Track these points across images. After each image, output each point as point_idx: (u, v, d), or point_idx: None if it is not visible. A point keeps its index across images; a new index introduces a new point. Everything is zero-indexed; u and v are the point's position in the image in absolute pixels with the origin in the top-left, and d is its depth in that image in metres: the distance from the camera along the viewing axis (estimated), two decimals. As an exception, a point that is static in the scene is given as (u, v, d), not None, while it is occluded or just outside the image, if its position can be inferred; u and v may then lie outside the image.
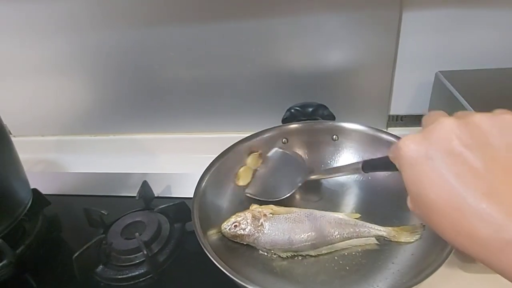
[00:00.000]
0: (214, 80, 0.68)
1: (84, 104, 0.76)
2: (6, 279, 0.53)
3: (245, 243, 0.46)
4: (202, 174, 0.49)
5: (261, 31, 0.61)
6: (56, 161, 0.80)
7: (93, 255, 0.51)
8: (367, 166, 0.39)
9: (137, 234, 0.51)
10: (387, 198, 0.48)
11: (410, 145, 0.25)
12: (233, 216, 0.46)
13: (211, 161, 0.51)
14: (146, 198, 0.60)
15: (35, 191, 0.61)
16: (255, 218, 0.45)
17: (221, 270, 0.37)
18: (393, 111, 0.67)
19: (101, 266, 0.51)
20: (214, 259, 0.37)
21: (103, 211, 0.56)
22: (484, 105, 0.47)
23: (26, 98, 0.77)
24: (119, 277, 0.50)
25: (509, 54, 0.57)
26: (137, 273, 0.50)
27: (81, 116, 0.77)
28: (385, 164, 0.31)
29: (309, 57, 0.63)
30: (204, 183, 0.47)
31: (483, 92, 0.51)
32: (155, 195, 0.63)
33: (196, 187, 0.47)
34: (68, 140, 0.81)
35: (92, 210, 0.56)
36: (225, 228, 0.46)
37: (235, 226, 0.45)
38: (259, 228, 0.45)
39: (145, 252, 0.48)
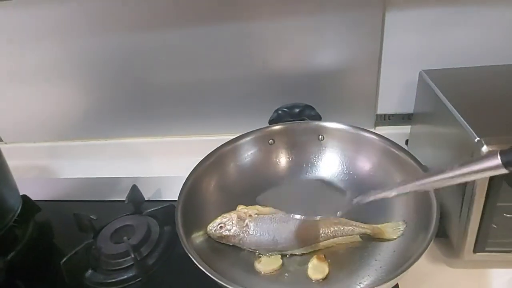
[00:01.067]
0: (202, 83, 0.68)
1: (75, 109, 0.76)
2: (-3, 285, 0.53)
3: (231, 244, 0.46)
4: (187, 177, 0.49)
5: (248, 33, 0.62)
6: (47, 167, 0.80)
7: (82, 260, 0.51)
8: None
9: (125, 238, 0.52)
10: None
11: None
12: (219, 218, 0.47)
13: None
14: (135, 202, 0.60)
15: (25, 197, 0.61)
16: (240, 219, 0.46)
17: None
18: (380, 111, 0.68)
19: (90, 271, 0.51)
20: (196, 261, 0.37)
21: (92, 216, 0.56)
22: (466, 103, 0.47)
23: (17, 104, 0.77)
24: (108, 281, 0.50)
25: (490, 52, 0.58)
26: (125, 276, 0.50)
27: (72, 122, 0.78)
28: None
29: (296, 59, 0.64)
30: (188, 186, 0.48)
31: (466, 90, 0.52)
32: (146, 199, 0.63)
33: (180, 190, 0.47)
34: (59, 146, 0.81)
35: (82, 215, 0.56)
36: (211, 230, 0.46)
37: (221, 227, 0.45)
38: (244, 229, 0.45)
39: (133, 256, 0.49)
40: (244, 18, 0.61)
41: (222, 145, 0.53)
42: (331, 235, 0.44)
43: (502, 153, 0.26)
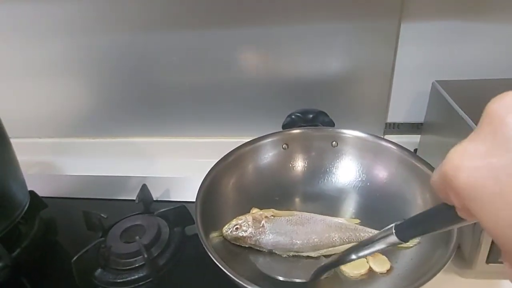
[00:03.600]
0: (215, 86, 0.69)
1: (84, 107, 0.76)
2: (2, 282, 0.52)
3: (246, 246, 0.46)
4: (206, 174, 0.49)
5: (263, 38, 0.62)
6: (52, 164, 0.80)
7: (92, 259, 0.51)
8: (403, 231, 0.28)
9: (137, 237, 0.51)
10: (386, 204, 0.50)
11: (476, 161, 0.16)
12: (234, 219, 0.47)
13: (210, 165, 0.51)
14: (145, 201, 0.60)
15: (32, 193, 0.61)
16: (256, 220, 0.46)
17: (222, 274, 0.37)
18: (390, 119, 0.68)
19: (99, 270, 0.51)
20: (217, 261, 0.37)
21: (102, 214, 0.55)
22: (479, 113, 0.48)
23: (24, 100, 0.76)
24: (118, 281, 0.49)
25: (502, 65, 0.59)
26: (136, 276, 0.49)
27: (80, 119, 0.77)
28: (435, 216, 0.23)
29: (310, 65, 0.64)
30: (207, 183, 0.48)
31: (479, 101, 0.52)
32: (154, 199, 0.63)
33: (199, 187, 0.47)
34: (65, 143, 0.80)
35: (92, 213, 0.56)
36: (227, 231, 0.46)
37: (237, 228, 0.46)
38: (260, 230, 0.45)
39: (145, 256, 0.48)
40: (260, 23, 0.61)
41: (241, 145, 0.53)
42: (347, 240, 0.45)
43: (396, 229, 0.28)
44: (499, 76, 0.58)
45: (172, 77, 0.69)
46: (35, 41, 0.68)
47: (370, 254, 0.33)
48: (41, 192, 0.62)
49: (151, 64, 0.68)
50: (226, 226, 0.47)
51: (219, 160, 0.51)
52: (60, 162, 0.80)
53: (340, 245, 0.45)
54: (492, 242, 0.43)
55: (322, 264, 0.40)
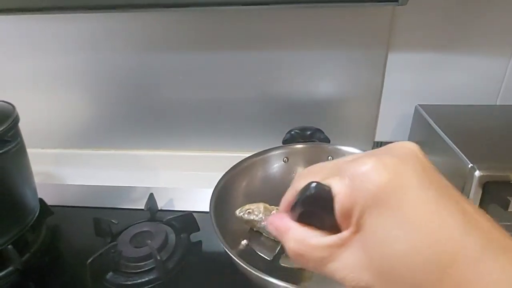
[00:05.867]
0: (219, 104, 0.74)
1: (89, 120, 0.79)
2: (11, 286, 0.54)
3: (255, 229, 0.51)
4: (221, 177, 0.54)
5: (265, 62, 0.69)
6: (55, 174, 0.82)
7: (103, 263, 0.53)
8: None
9: (149, 241, 0.54)
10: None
11: (382, 172, 0.19)
12: (247, 205, 0.52)
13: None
14: (152, 210, 0.63)
15: (41, 201, 0.63)
16: (267, 209, 0.51)
17: (232, 272, 0.40)
18: (378, 138, 0.75)
19: (110, 273, 0.53)
20: (233, 255, 0.41)
21: (113, 220, 0.58)
22: (457, 134, 0.55)
23: (29, 110, 0.78)
24: (129, 283, 0.52)
25: (477, 92, 0.67)
26: (146, 279, 0.52)
27: (84, 131, 0.80)
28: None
29: (305, 87, 0.71)
30: (221, 185, 0.53)
31: (457, 123, 0.60)
32: (158, 208, 0.66)
33: (214, 188, 0.52)
34: (67, 154, 0.82)
35: (102, 219, 0.59)
36: (240, 213, 0.51)
37: (249, 212, 0.50)
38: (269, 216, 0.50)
39: (158, 258, 0.51)
40: (263, 48, 0.68)
41: (252, 155, 0.58)
42: None
43: None
44: (474, 102, 0.67)
45: (176, 94, 0.74)
46: (43, 55, 0.72)
47: None
48: (47, 201, 0.64)
49: (157, 81, 0.73)
50: (239, 209, 0.51)
51: (233, 166, 0.56)
52: (60, 173, 0.81)
53: None
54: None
55: None
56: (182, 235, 0.60)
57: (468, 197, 0.47)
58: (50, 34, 0.70)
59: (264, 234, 0.52)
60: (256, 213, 0.50)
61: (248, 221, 0.51)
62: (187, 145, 0.79)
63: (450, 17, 0.62)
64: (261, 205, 0.51)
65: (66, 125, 0.80)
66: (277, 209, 0.51)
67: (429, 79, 0.68)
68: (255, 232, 0.53)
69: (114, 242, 0.55)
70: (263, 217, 0.50)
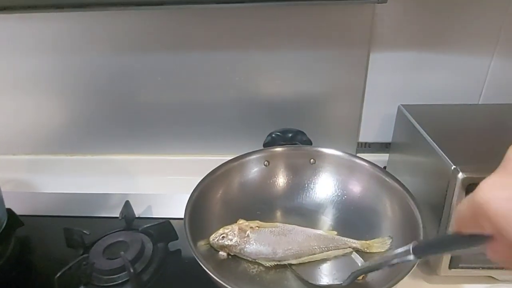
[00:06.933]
0: (197, 105, 0.71)
1: (59, 123, 0.75)
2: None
3: (232, 254, 0.49)
4: (196, 186, 0.51)
5: (244, 61, 0.66)
6: (27, 181, 0.78)
7: (74, 276, 0.51)
8: (421, 250, 0.34)
9: (122, 253, 0.52)
10: (360, 216, 0.54)
11: (504, 193, 0.19)
12: (221, 229, 0.50)
13: (191, 182, 0.53)
14: (128, 218, 0.61)
15: (9, 211, 0.59)
16: (241, 230, 0.49)
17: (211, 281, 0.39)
18: (361, 139, 0.74)
19: (82, 287, 0.50)
20: (206, 268, 0.39)
21: (85, 231, 0.55)
22: (440, 135, 0.54)
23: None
24: (101, 297, 0.49)
25: (458, 92, 0.66)
26: (120, 292, 0.50)
27: (58, 135, 0.77)
28: (451, 241, 0.28)
29: (287, 87, 0.69)
30: (196, 195, 0.50)
31: (440, 123, 0.59)
32: (136, 216, 0.64)
33: (189, 198, 0.49)
34: (41, 160, 0.79)
35: (74, 230, 0.56)
36: (213, 240, 0.49)
37: (223, 237, 0.48)
38: (245, 239, 0.48)
39: (131, 271, 0.49)
40: (241, 47, 0.65)
41: (228, 161, 0.56)
42: (325, 248, 0.48)
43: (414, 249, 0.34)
44: (457, 101, 0.66)
45: (153, 96, 0.71)
46: (13, 58, 0.68)
47: (387, 266, 0.38)
48: (16, 210, 0.61)
49: (133, 83, 0.70)
50: (213, 235, 0.49)
51: (208, 173, 0.54)
52: (35, 180, 0.78)
53: (319, 253, 0.48)
54: (454, 250, 0.47)
55: (359, 269, 0.43)
56: (159, 245, 0.57)
57: (451, 199, 0.46)
58: (19, 34, 0.66)
59: (243, 257, 0.49)
60: (230, 237, 0.48)
61: (224, 247, 0.49)
62: (165, 149, 0.76)
63: (432, 16, 0.61)
64: (235, 227, 0.50)
65: (38, 130, 0.76)
66: (251, 227, 0.50)
67: (411, 79, 0.67)
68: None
69: (86, 254, 0.52)
70: (238, 241, 0.48)
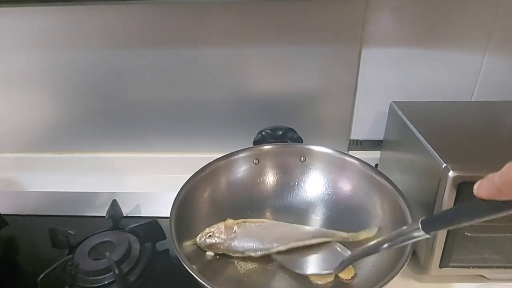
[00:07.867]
0: (186, 102, 0.70)
1: (46, 121, 0.74)
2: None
3: (220, 252, 0.48)
4: (182, 186, 0.50)
5: (234, 58, 0.65)
6: (13, 180, 0.76)
7: (59, 277, 0.49)
8: (429, 225, 0.31)
9: (107, 253, 0.51)
10: (350, 215, 0.53)
11: None
12: (208, 228, 0.49)
13: (180, 180, 0.52)
14: (115, 217, 0.59)
15: (-8, 210, 0.58)
16: (228, 227, 0.48)
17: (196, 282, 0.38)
18: (353, 136, 0.73)
19: (66, 288, 0.49)
20: (190, 268, 0.38)
21: (70, 231, 0.54)
22: (432, 132, 0.53)
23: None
24: (86, 299, 0.48)
25: (450, 89, 0.66)
26: (105, 294, 0.49)
27: (45, 133, 0.75)
28: (463, 211, 0.27)
29: (278, 84, 0.68)
30: (182, 195, 0.49)
31: (432, 121, 0.58)
32: (124, 215, 0.62)
33: (175, 198, 0.48)
34: (28, 158, 0.77)
35: (58, 230, 0.54)
36: (200, 239, 0.48)
37: (210, 236, 0.47)
38: (232, 235, 0.48)
39: (116, 272, 0.48)
40: (231, 44, 0.64)
41: (215, 159, 0.55)
42: (313, 236, 0.49)
43: (423, 223, 0.31)
44: (448, 98, 0.65)
45: (142, 93, 0.70)
46: (0, 54, 0.66)
47: (393, 246, 0.35)
48: (2, 209, 0.59)
49: (121, 79, 0.68)
50: (200, 234, 0.48)
51: (194, 173, 0.52)
52: (23, 178, 0.76)
53: (307, 239, 0.48)
54: (444, 248, 0.47)
55: (350, 254, 0.42)
56: (146, 244, 0.56)
57: (442, 197, 0.45)
58: (4, 29, 0.64)
59: (231, 255, 0.49)
60: (217, 234, 0.47)
61: (211, 246, 0.48)
62: (154, 147, 0.75)
63: (425, 13, 0.60)
64: (221, 225, 0.49)
65: (25, 128, 0.75)
66: (238, 223, 0.49)
67: (404, 76, 0.66)
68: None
69: (71, 255, 0.51)
70: (225, 237, 0.47)
